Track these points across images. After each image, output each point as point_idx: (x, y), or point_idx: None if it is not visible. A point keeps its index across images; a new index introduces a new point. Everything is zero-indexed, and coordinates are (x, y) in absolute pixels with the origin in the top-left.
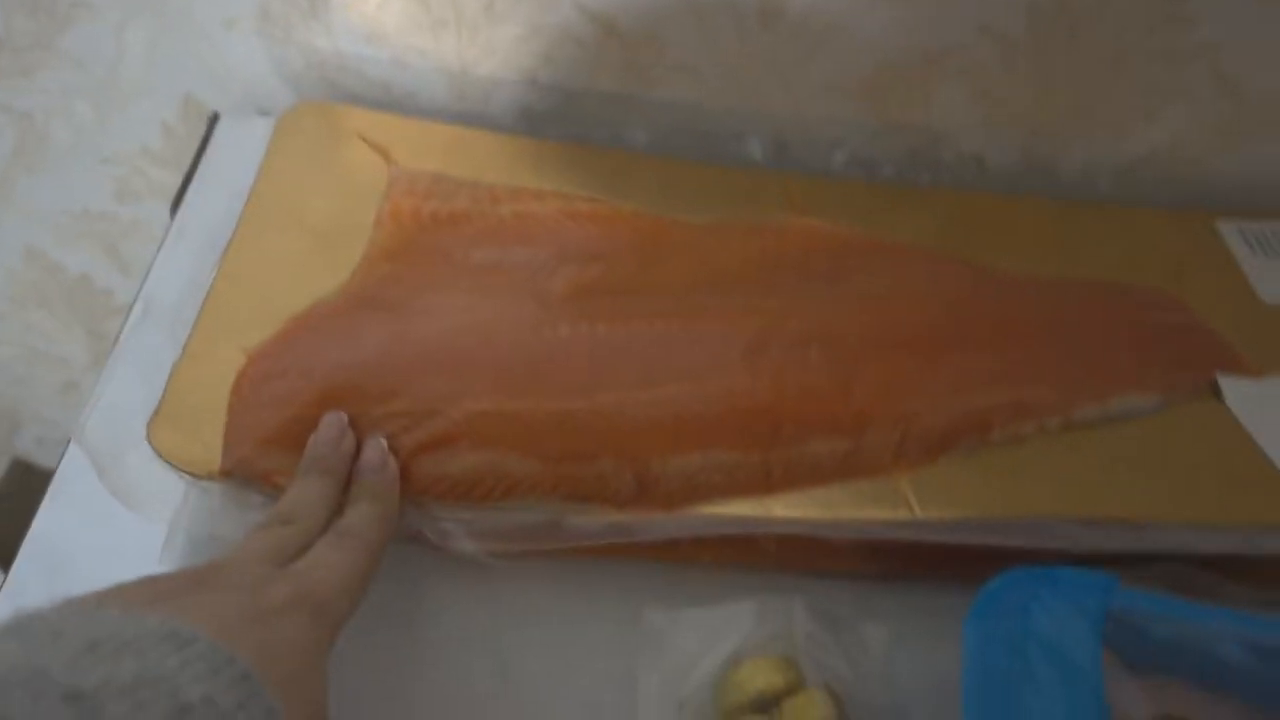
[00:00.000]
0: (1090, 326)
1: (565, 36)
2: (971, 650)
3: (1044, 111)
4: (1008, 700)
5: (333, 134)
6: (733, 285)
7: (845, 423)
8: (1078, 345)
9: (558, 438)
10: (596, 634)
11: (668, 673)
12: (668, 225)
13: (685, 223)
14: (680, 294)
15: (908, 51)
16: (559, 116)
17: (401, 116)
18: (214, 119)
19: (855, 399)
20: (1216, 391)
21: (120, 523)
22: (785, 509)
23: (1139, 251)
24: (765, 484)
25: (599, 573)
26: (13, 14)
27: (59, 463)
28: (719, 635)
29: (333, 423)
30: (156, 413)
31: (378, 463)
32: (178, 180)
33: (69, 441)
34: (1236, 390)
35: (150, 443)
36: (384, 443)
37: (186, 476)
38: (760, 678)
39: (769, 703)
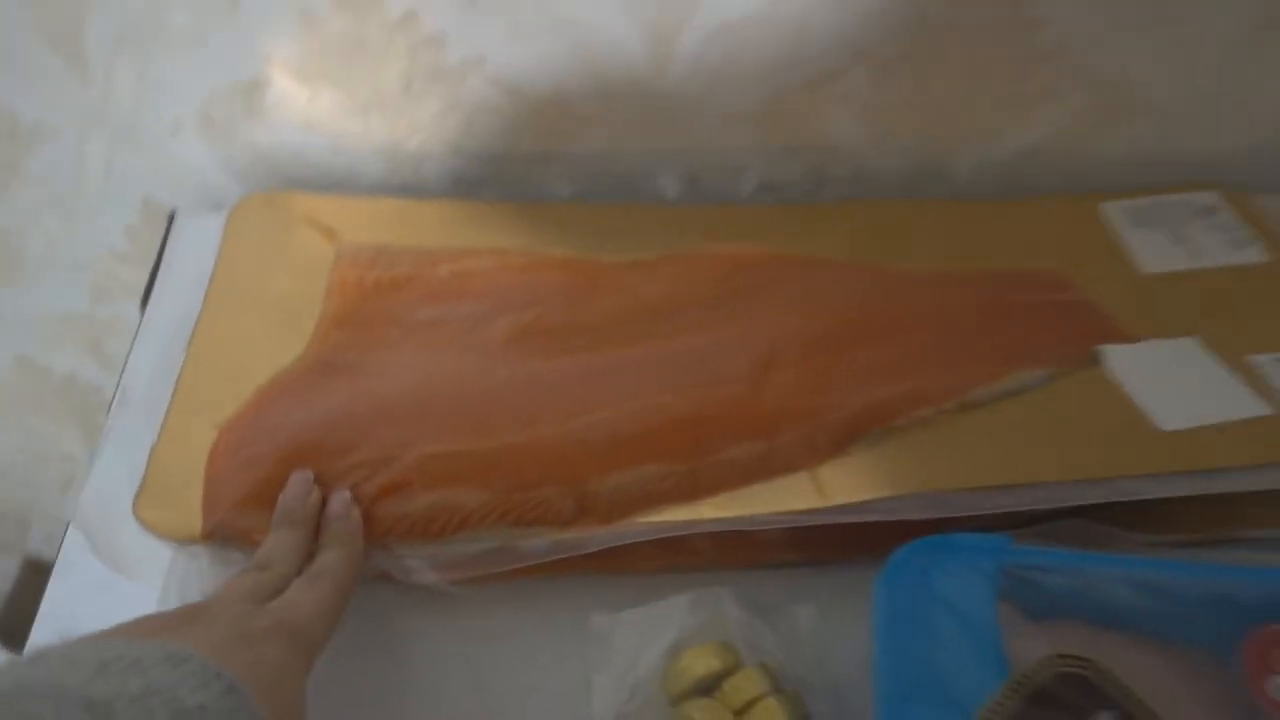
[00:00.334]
0: (984, 313)
1: (480, 107)
2: (881, 616)
3: (925, 122)
4: (914, 656)
5: (281, 219)
6: (653, 314)
7: (761, 426)
8: (972, 332)
9: (503, 471)
10: (553, 644)
11: (616, 670)
12: (594, 267)
13: (610, 262)
14: (607, 328)
15: (793, 80)
16: (487, 179)
17: (343, 196)
18: (172, 217)
19: (767, 403)
20: (1099, 360)
21: (119, 590)
22: (713, 510)
23: (1031, 239)
24: (693, 490)
25: (551, 588)
26: None
27: (60, 545)
28: (658, 630)
29: (299, 480)
30: (141, 490)
31: (342, 511)
32: (145, 277)
33: (69, 524)
34: (1116, 356)
35: (137, 518)
36: (348, 494)
37: (173, 544)
38: (700, 664)
39: (711, 685)
